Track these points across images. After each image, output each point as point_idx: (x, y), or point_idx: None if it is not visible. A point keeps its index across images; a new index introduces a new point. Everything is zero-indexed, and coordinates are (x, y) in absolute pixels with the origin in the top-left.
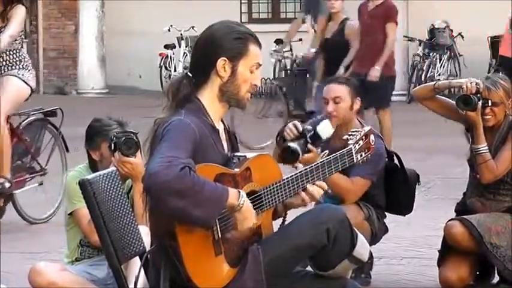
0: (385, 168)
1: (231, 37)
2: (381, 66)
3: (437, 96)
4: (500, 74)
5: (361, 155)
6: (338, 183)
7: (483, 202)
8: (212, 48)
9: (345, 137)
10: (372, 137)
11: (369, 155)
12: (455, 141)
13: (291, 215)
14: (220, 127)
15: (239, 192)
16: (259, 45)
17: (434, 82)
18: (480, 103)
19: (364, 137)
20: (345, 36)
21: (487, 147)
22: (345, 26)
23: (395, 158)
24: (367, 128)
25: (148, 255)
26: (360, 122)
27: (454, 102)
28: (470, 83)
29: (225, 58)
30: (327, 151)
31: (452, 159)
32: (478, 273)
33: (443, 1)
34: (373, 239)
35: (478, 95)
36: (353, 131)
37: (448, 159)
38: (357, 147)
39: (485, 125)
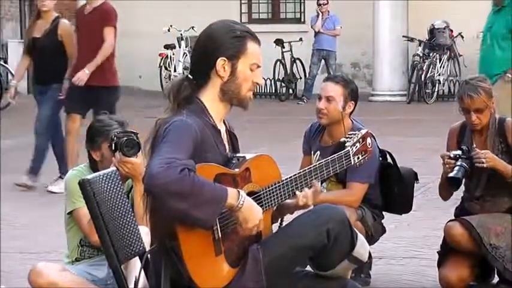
0: (379, 167)
1: (229, 36)
2: (91, 69)
3: None
4: (478, 75)
5: (358, 158)
6: (333, 200)
7: (482, 205)
8: (211, 49)
9: (343, 139)
10: (368, 139)
11: (366, 158)
12: None
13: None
14: (222, 128)
15: (239, 192)
16: (258, 42)
17: (442, 179)
18: (468, 167)
19: (361, 140)
20: (58, 36)
21: None
22: (58, 25)
23: (388, 156)
24: (364, 131)
25: (149, 256)
26: (353, 122)
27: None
28: (443, 159)
29: (224, 58)
30: (318, 152)
31: None
32: (478, 273)
33: (443, 1)
34: (369, 240)
35: (459, 158)
36: (350, 134)
37: None
38: (354, 149)
39: (474, 130)
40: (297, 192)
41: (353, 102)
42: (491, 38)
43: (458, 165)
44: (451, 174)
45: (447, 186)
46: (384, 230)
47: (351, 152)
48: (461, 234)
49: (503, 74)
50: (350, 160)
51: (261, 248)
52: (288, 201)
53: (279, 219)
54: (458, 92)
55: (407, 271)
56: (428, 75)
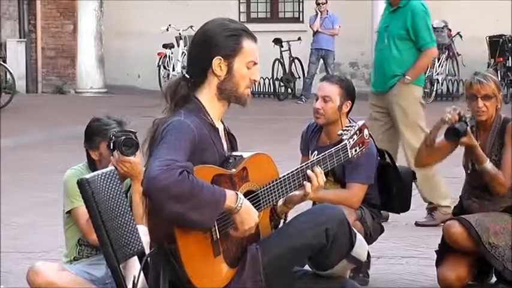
0: (377, 167)
1: (224, 35)
2: None
3: (432, 147)
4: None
5: (355, 150)
6: (333, 199)
7: (480, 204)
8: (206, 48)
9: (339, 132)
10: (365, 131)
11: (364, 149)
12: None
13: (291, 214)
14: (220, 126)
15: (237, 194)
16: (255, 40)
17: (424, 139)
18: (468, 127)
19: (358, 132)
20: None
21: (491, 164)
22: None
23: (386, 155)
24: (360, 123)
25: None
26: (350, 121)
27: (445, 139)
28: (449, 112)
29: (219, 57)
30: (316, 152)
31: (450, 159)
32: (476, 272)
33: (442, 1)
34: (367, 239)
35: (463, 119)
36: (347, 126)
37: (446, 159)
38: (351, 142)
39: (479, 119)
40: (305, 182)
41: (350, 101)
42: (388, 38)
43: (462, 122)
44: (457, 125)
45: (447, 137)
46: (382, 230)
47: (348, 145)
48: (460, 233)
49: (402, 76)
50: (347, 153)
51: (259, 248)
52: (293, 193)
53: (284, 215)
54: (467, 80)
55: (406, 271)
56: (426, 74)
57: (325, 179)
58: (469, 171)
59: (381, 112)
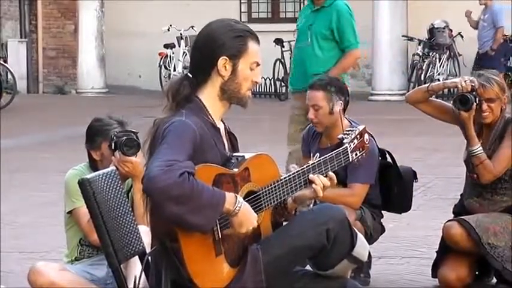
0: (379, 167)
1: (230, 35)
2: None
3: (431, 99)
4: (491, 70)
5: (356, 154)
6: (335, 199)
7: (481, 203)
8: (212, 48)
9: (340, 136)
10: (366, 135)
11: (364, 154)
12: (454, 140)
13: None
14: (221, 126)
15: (236, 197)
16: (258, 41)
17: (428, 84)
18: (476, 102)
19: (358, 136)
20: None
21: (481, 148)
22: None
23: (387, 155)
24: (361, 127)
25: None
26: (350, 122)
27: (452, 102)
28: (465, 81)
29: (225, 57)
30: (318, 154)
31: (451, 159)
32: (477, 273)
33: (442, 1)
34: (368, 239)
35: (474, 93)
36: (348, 130)
37: (447, 159)
38: (352, 146)
39: (484, 122)
40: (314, 186)
41: (341, 100)
42: (312, 37)
43: (472, 95)
44: (467, 95)
45: (454, 102)
46: (383, 230)
47: (348, 149)
48: (460, 234)
49: (324, 74)
50: (348, 157)
51: (260, 248)
52: (302, 192)
53: (295, 211)
54: None
55: (407, 271)
56: (427, 74)
57: (335, 181)
58: (470, 168)
59: (301, 114)
